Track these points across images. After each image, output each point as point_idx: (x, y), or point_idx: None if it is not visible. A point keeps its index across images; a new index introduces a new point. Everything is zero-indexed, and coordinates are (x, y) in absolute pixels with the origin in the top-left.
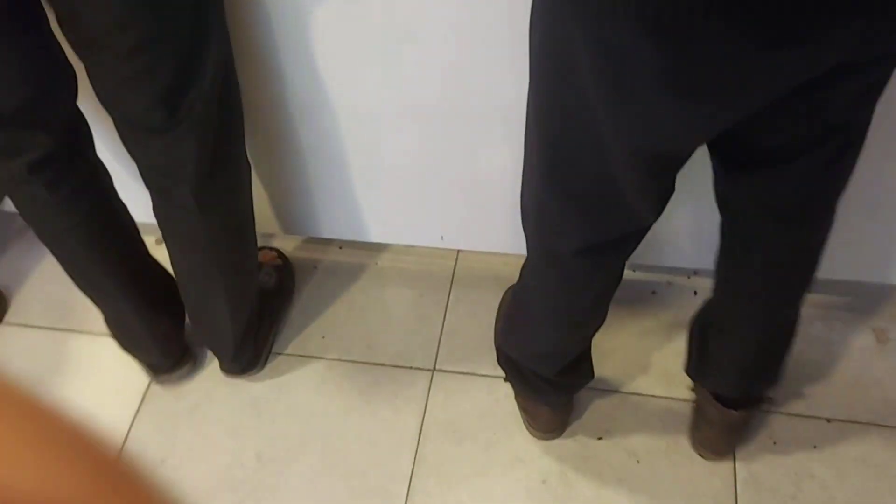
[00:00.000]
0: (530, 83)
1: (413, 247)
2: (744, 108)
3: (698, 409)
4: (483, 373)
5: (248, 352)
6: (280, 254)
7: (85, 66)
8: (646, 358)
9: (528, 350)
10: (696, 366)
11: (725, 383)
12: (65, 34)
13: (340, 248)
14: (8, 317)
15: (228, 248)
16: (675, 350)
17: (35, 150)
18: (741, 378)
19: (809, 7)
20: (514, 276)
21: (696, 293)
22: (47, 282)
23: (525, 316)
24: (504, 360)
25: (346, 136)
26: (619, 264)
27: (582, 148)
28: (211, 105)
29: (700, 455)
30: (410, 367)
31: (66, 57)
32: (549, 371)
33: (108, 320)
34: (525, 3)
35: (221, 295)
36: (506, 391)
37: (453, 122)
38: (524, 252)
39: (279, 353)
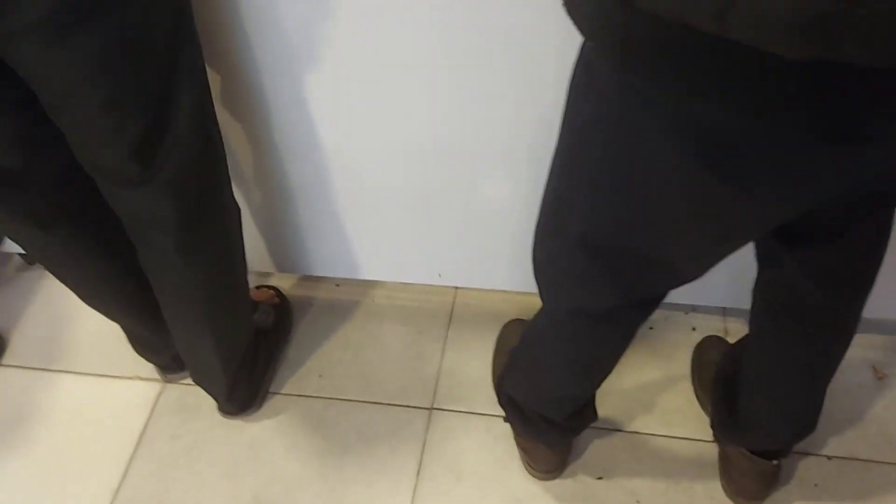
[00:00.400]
0: (565, 149)
1: (411, 284)
2: (825, 195)
3: (728, 460)
4: (481, 411)
5: (244, 392)
6: (278, 292)
7: (58, 124)
8: (645, 396)
9: (538, 396)
10: (726, 424)
11: (762, 440)
12: (37, 93)
13: (338, 285)
14: (4, 358)
15: (215, 294)
16: (675, 388)
17: (39, 209)
18: (780, 434)
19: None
20: (513, 312)
21: (694, 329)
22: (43, 322)
23: (538, 365)
24: (506, 400)
25: (338, 175)
26: (647, 316)
27: (640, 227)
28: (190, 154)
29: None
30: (408, 406)
31: None
32: (559, 415)
33: (122, 328)
34: (518, 39)
35: (209, 339)
36: (504, 429)
37: (449, 160)
38: (523, 289)
39: (276, 393)
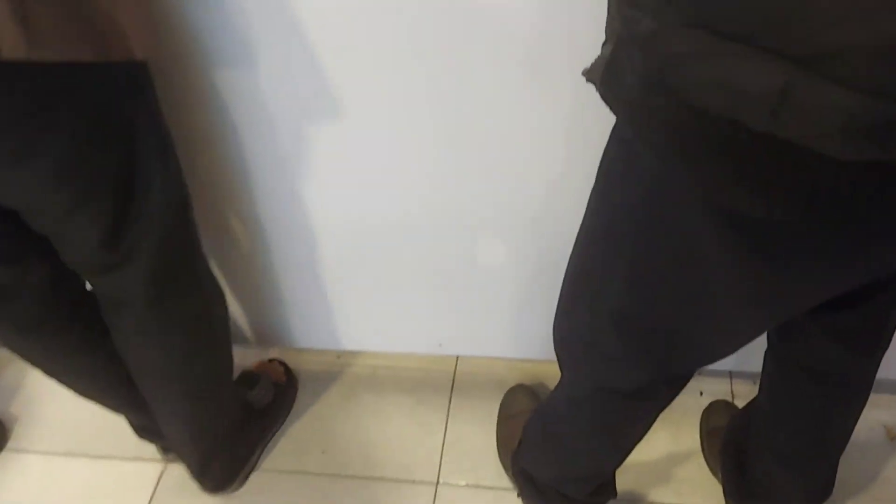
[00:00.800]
0: (599, 227)
1: (411, 354)
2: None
3: None
4: (488, 484)
5: (218, 471)
6: (287, 369)
7: (30, 224)
8: (655, 464)
9: (558, 475)
10: (738, 492)
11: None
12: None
13: (338, 356)
14: (9, 443)
15: (184, 374)
16: (685, 455)
17: (22, 317)
18: (794, 501)
19: None
20: (515, 379)
21: (701, 393)
22: (42, 406)
23: (559, 442)
24: (521, 475)
25: (333, 247)
26: (676, 393)
27: (678, 308)
28: (162, 236)
29: None
30: (413, 482)
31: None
32: (581, 493)
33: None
34: (520, 108)
35: (179, 416)
36: (513, 501)
37: (447, 230)
38: (524, 356)
39: (279, 471)
